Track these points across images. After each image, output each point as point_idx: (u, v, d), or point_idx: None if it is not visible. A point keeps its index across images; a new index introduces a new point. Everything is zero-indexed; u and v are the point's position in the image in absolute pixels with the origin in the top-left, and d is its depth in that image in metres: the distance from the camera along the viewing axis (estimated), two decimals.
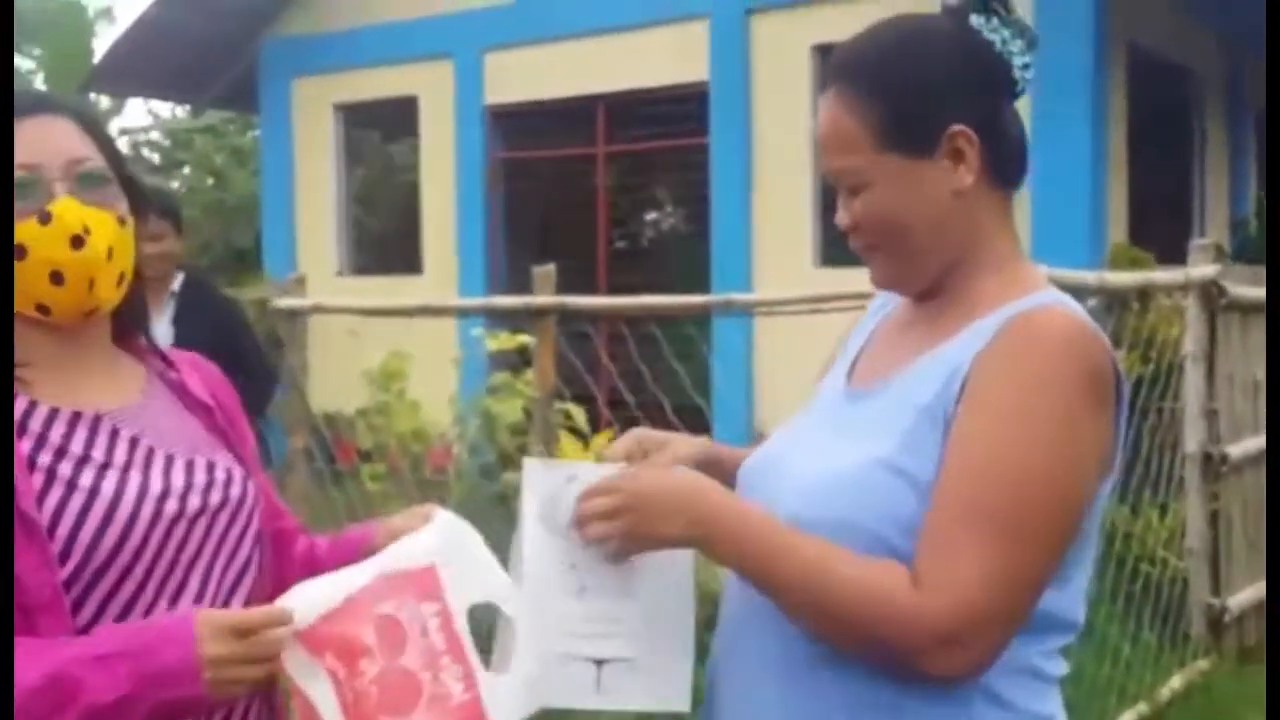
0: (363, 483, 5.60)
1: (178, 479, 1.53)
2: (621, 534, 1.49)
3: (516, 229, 11.05)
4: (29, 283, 1.47)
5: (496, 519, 4.70)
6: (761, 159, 9.37)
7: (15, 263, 1.46)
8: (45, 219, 1.46)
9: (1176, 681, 4.91)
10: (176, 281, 4.48)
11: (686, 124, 9.86)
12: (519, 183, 11.07)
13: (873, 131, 1.49)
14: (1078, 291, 3.55)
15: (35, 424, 1.47)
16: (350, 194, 12.06)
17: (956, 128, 1.49)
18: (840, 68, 1.54)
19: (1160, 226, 9.36)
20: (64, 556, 1.41)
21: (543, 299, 4.36)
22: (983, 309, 1.49)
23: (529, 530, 1.55)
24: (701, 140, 9.71)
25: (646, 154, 10.98)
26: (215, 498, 1.56)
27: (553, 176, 11.41)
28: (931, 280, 1.55)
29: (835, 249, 8.59)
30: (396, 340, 6.02)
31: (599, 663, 1.54)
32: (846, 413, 1.58)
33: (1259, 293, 5.35)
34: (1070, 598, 1.49)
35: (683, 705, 1.56)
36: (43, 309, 1.49)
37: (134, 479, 1.49)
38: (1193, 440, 5.26)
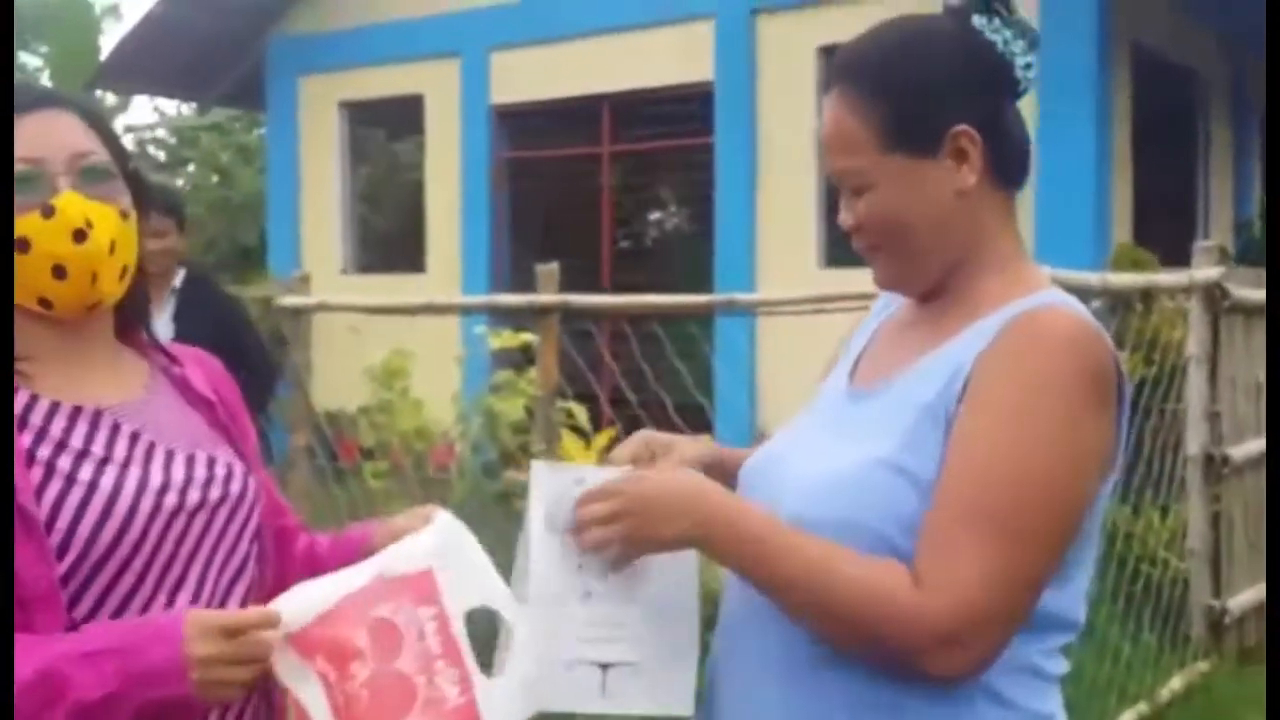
0: (365, 480, 5.61)
1: (178, 473, 1.53)
2: (622, 538, 1.49)
3: (521, 228, 11.05)
4: (31, 276, 1.47)
5: (499, 517, 4.72)
6: (766, 159, 9.37)
7: (18, 256, 1.46)
8: (48, 212, 1.46)
9: (1177, 682, 4.92)
10: (178, 278, 4.50)
11: (691, 124, 9.86)
12: (524, 182, 11.08)
13: (876, 132, 1.49)
14: (1081, 292, 3.55)
15: (36, 418, 1.47)
16: (355, 192, 12.07)
17: (960, 128, 1.49)
18: (843, 69, 1.54)
19: (1164, 228, 9.35)
20: (62, 550, 1.41)
21: (546, 297, 4.37)
22: (985, 308, 1.50)
23: (535, 533, 1.54)
24: (706, 140, 9.72)
25: (651, 154, 10.98)
26: (215, 493, 1.56)
27: (557, 176, 11.41)
28: (934, 280, 1.55)
29: (839, 249, 8.60)
30: (400, 338, 6.03)
31: (604, 666, 1.54)
32: (848, 412, 1.58)
33: (1262, 295, 5.34)
34: (1071, 597, 1.49)
35: (686, 710, 1.56)
36: (45, 302, 1.50)
37: (133, 474, 1.49)
38: (1195, 442, 5.26)
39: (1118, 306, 5.05)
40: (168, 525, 1.49)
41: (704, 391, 4.97)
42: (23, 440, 1.44)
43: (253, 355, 4.48)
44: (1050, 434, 1.39)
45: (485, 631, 1.56)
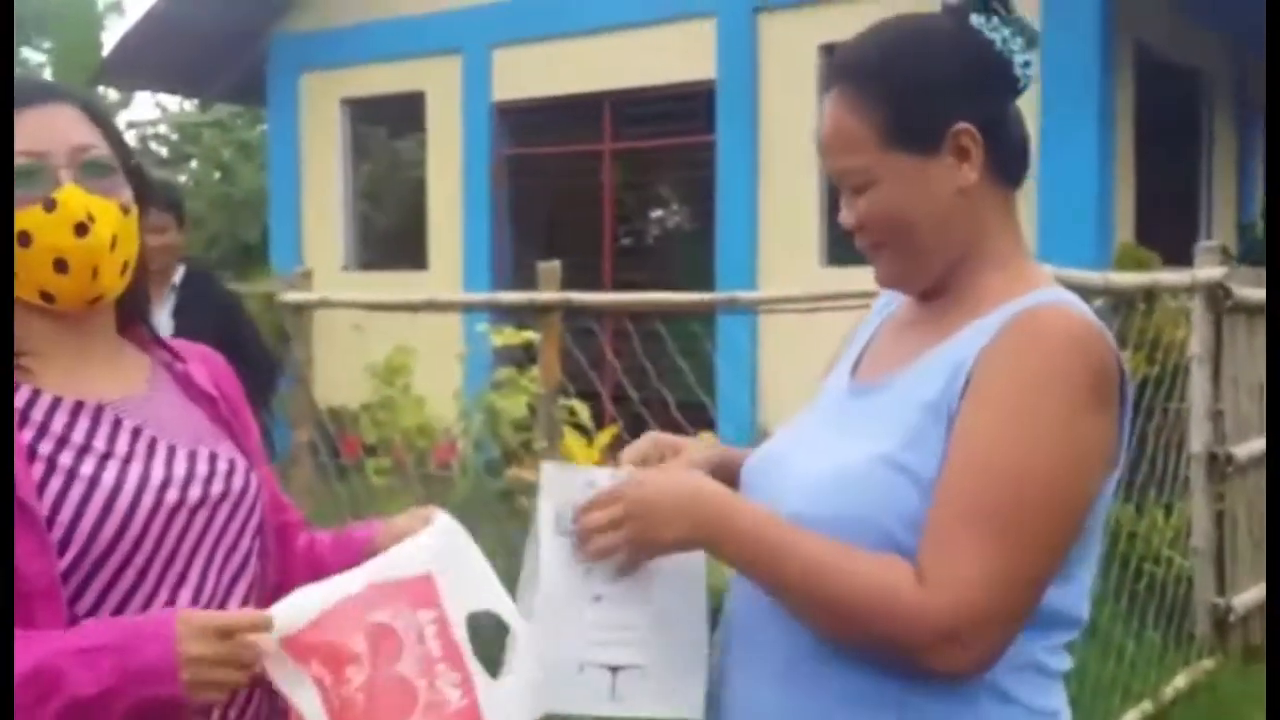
0: (367, 477, 5.61)
1: (179, 469, 1.53)
2: (627, 542, 1.49)
3: (522, 225, 11.05)
4: (33, 270, 1.47)
5: (501, 514, 4.73)
6: (768, 157, 9.37)
7: (19, 250, 1.46)
8: (50, 206, 1.46)
9: (1181, 680, 4.91)
10: (178, 274, 4.49)
11: (693, 122, 9.86)
12: (525, 179, 11.08)
13: (877, 130, 1.49)
14: (1084, 292, 3.55)
15: (38, 414, 1.47)
16: (357, 189, 12.06)
17: (961, 125, 1.49)
18: (842, 68, 1.55)
19: (1167, 227, 9.33)
20: (64, 546, 1.41)
21: (548, 295, 4.36)
22: (987, 306, 1.50)
23: (545, 536, 1.54)
24: (708, 138, 9.71)
25: (653, 151, 10.98)
26: (216, 488, 1.55)
27: (559, 173, 11.41)
28: (936, 278, 1.55)
29: (841, 247, 8.59)
30: (402, 335, 6.04)
31: (614, 669, 1.54)
32: (850, 409, 1.58)
33: (1265, 295, 5.34)
34: (1075, 594, 1.49)
35: (696, 713, 1.56)
36: (47, 296, 1.50)
37: (135, 469, 1.49)
38: (1198, 441, 5.26)
39: (1120, 306, 5.04)
40: (169, 521, 1.49)
41: (706, 389, 4.98)
42: (24, 436, 1.44)
43: (252, 350, 4.48)
44: (1051, 432, 1.39)
45: (492, 634, 1.56)
